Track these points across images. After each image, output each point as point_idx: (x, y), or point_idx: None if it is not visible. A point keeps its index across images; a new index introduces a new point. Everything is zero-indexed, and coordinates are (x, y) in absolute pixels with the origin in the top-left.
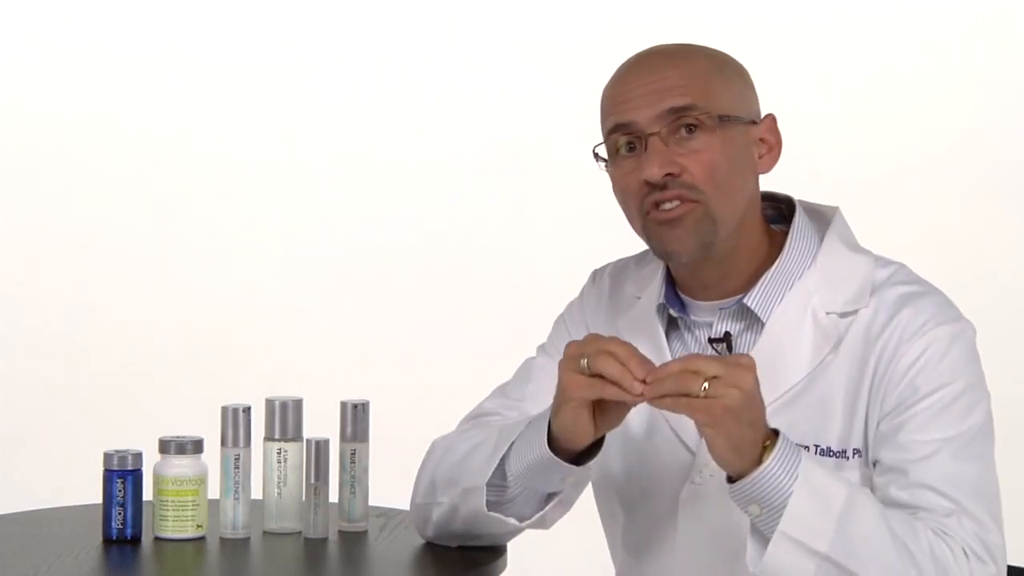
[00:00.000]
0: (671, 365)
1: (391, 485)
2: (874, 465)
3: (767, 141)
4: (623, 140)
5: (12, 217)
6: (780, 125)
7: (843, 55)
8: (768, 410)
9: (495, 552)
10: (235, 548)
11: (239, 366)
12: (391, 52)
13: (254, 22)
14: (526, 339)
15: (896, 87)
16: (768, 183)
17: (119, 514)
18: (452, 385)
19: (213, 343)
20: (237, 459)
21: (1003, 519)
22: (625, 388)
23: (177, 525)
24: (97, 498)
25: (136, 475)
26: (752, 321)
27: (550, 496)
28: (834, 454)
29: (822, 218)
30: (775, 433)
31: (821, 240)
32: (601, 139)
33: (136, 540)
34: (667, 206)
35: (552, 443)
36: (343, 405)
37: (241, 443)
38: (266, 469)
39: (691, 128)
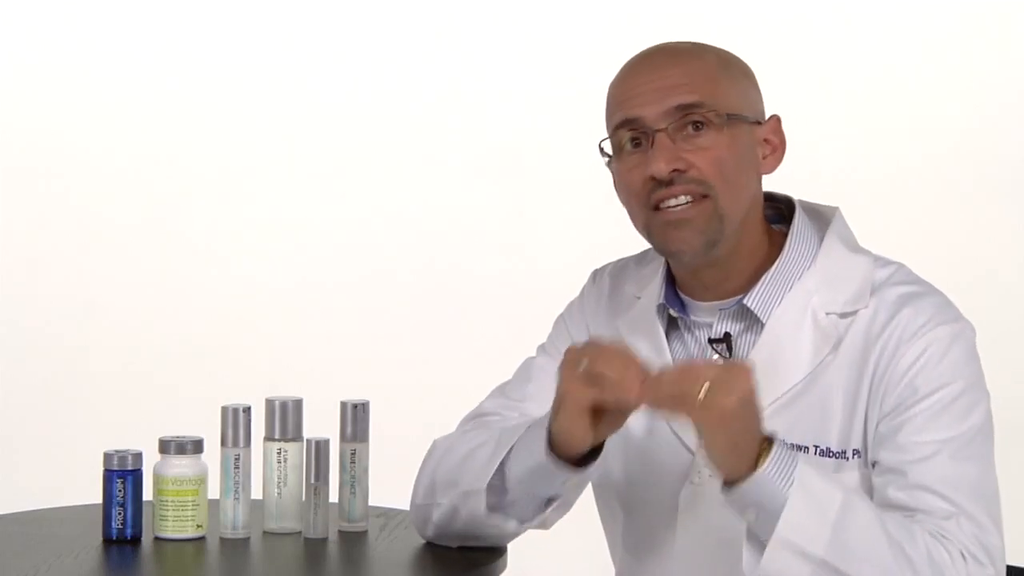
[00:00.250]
0: (669, 370)
1: (391, 485)
2: (873, 465)
3: (771, 142)
4: (629, 136)
5: (12, 217)
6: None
7: (843, 55)
8: (768, 410)
9: (495, 552)
10: (235, 548)
11: (239, 366)
12: (391, 52)
13: (254, 22)
14: (526, 339)
15: (896, 87)
16: (768, 183)
17: (119, 514)
18: (452, 385)
19: (213, 343)
20: (237, 459)
21: (1002, 520)
22: (624, 392)
23: (177, 525)
24: (97, 498)
25: (136, 475)
26: (752, 322)
27: (550, 499)
28: (834, 454)
29: (822, 218)
30: (771, 438)
31: (821, 240)
32: (606, 135)
33: (136, 540)
34: (673, 202)
35: (552, 447)
36: (343, 405)
37: (241, 443)
38: (266, 469)
39: (698, 125)
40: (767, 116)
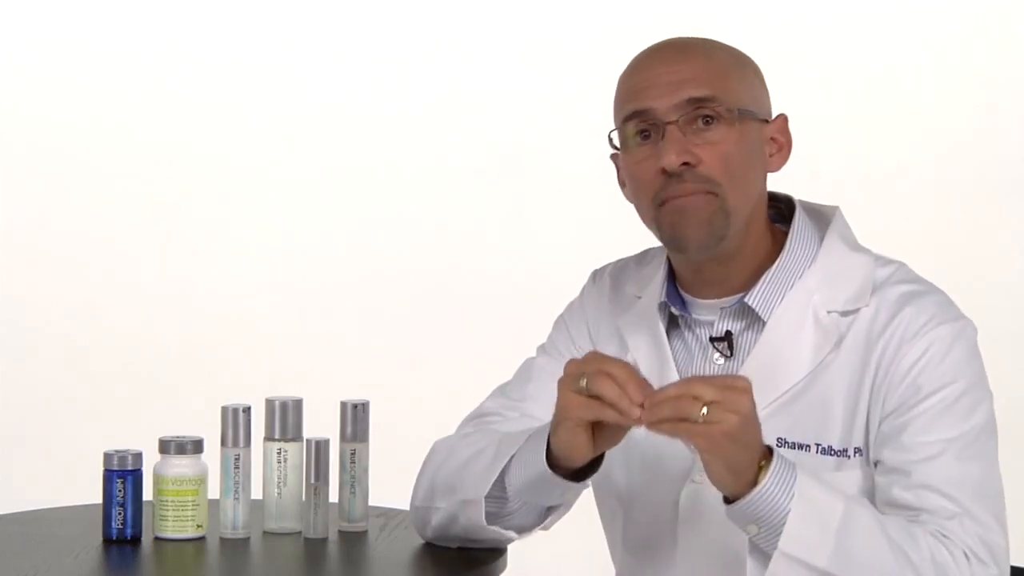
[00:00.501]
0: (669, 389)
1: (391, 485)
2: (876, 465)
3: (778, 140)
4: (638, 128)
5: (12, 217)
6: None
7: (843, 55)
8: (769, 409)
9: (495, 552)
10: (235, 548)
11: (239, 366)
12: (391, 52)
13: (254, 22)
14: (526, 339)
15: (896, 87)
16: (768, 183)
17: (119, 514)
18: (452, 385)
19: (213, 343)
20: (237, 459)
21: (1006, 518)
22: (622, 412)
23: (177, 525)
24: (97, 498)
25: (136, 475)
26: (753, 320)
27: (550, 508)
28: (835, 453)
29: (822, 218)
30: (769, 451)
31: (821, 239)
32: (607, 133)
33: (136, 540)
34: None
35: (551, 459)
36: (343, 405)
37: (241, 443)
38: (266, 469)
39: (708, 120)
40: (775, 115)
